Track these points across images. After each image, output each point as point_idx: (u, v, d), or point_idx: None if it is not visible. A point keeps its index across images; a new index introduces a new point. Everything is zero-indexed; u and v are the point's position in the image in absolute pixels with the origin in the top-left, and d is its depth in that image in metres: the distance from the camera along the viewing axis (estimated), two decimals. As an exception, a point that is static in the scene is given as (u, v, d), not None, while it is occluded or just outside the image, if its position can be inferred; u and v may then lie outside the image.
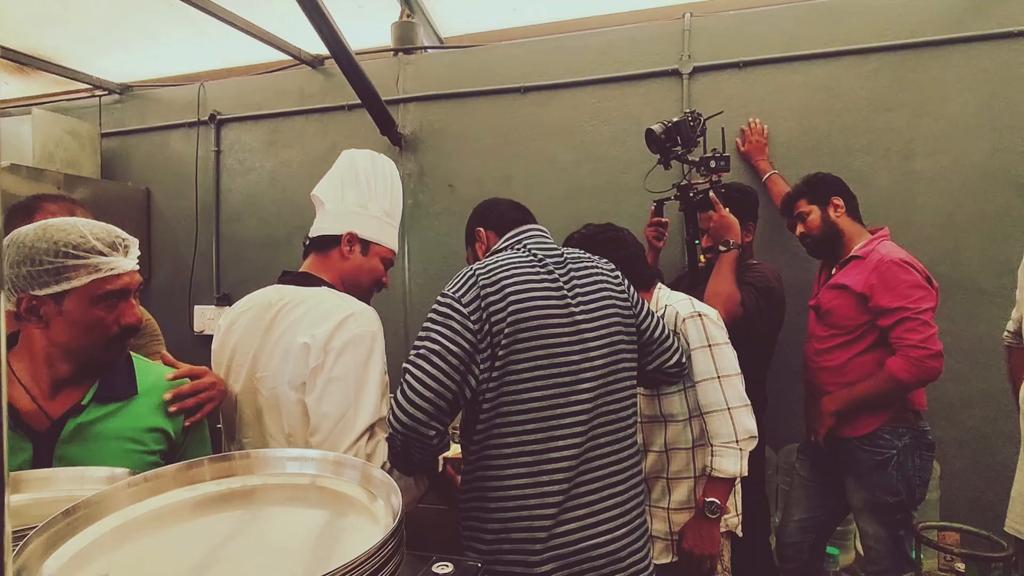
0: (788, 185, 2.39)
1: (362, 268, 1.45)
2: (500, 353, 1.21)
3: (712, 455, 1.55)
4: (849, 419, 1.95)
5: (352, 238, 1.42)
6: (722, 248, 2.05)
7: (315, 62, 3.22)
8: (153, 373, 1.24)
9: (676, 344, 1.49)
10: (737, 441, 1.53)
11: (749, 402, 1.58)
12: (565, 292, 1.28)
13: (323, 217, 1.45)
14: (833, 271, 2.07)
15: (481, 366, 1.22)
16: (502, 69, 2.94)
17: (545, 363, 1.23)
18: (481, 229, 1.54)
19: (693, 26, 2.67)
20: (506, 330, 1.21)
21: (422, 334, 1.24)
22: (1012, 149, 2.31)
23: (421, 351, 1.21)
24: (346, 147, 3.12)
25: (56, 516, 0.59)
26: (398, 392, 1.21)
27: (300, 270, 1.46)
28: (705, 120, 2.23)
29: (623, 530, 1.26)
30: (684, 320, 1.61)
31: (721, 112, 2.43)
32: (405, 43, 3.09)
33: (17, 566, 0.50)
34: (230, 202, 3.38)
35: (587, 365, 1.26)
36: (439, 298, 1.27)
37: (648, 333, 1.42)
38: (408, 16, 3.11)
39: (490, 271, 1.27)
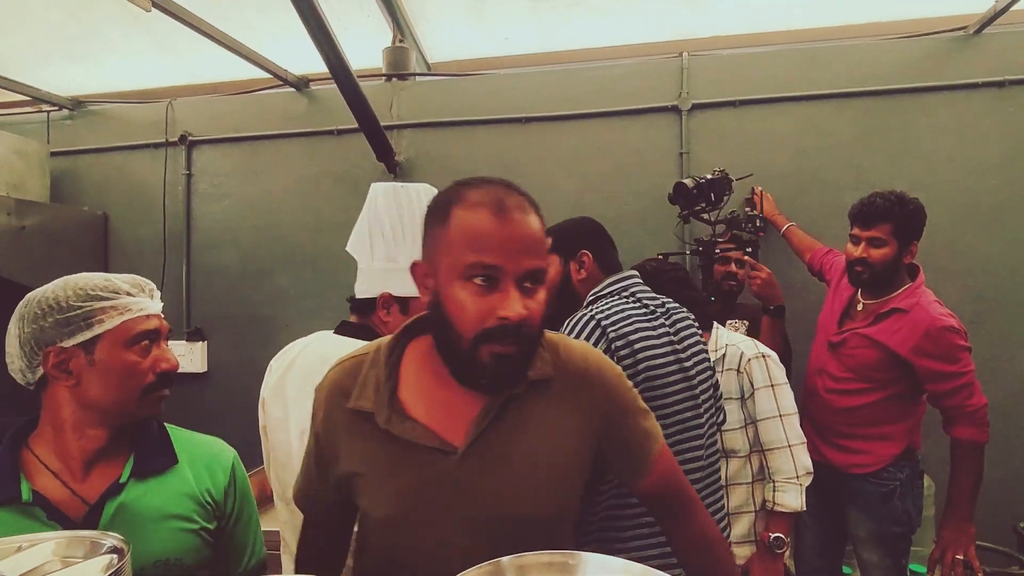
0: (806, 234, 2.49)
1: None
2: None
3: (775, 490, 1.60)
4: (860, 455, 1.97)
5: (387, 300, 1.30)
6: (771, 311, 2.18)
7: (300, 83, 3.08)
8: (188, 438, 1.14)
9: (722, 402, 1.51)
10: (797, 477, 1.60)
11: (805, 440, 1.64)
12: (678, 347, 1.28)
13: (359, 276, 1.35)
14: (859, 303, 2.04)
15: None
16: (500, 98, 2.92)
17: (667, 422, 1.21)
18: (589, 255, 1.42)
19: (691, 64, 2.77)
20: (637, 384, 1.19)
21: None
22: (977, 188, 2.53)
23: None
24: (337, 173, 3.07)
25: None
26: None
27: (357, 322, 1.35)
28: (734, 182, 2.31)
29: None
30: (749, 360, 1.65)
31: (751, 175, 2.51)
32: (398, 68, 3.02)
33: None
34: (203, 229, 3.15)
35: (698, 421, 1.26)
36: None
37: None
38: (399, 41, 3.04)
39: (615, 323, 1.23)
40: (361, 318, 1.35)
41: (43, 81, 3.25)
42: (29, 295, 1.00)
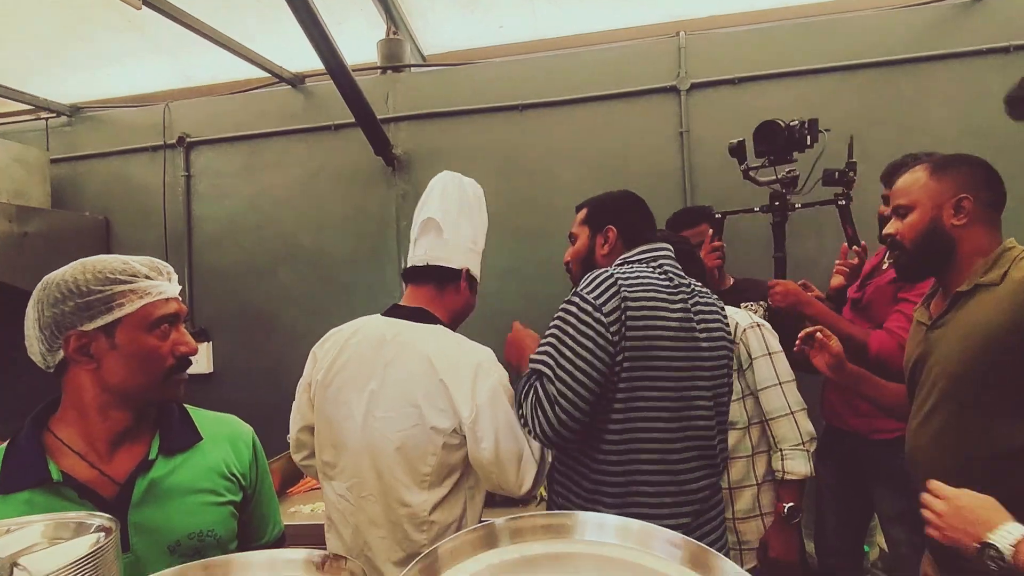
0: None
1: (470, 305, 1.46)
2: (626, 365, 1.19)
3: (783, 459, 1.59)
4: (881, 418, 1.94)
5: (468, 275, 1.41)
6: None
7: (295, 80, 3.07)
8: (207, 417, 1.16)
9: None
10: (803, 443, 1.59)
11: (806, 405, 1.63)
12: (695, 325, 1.26)
13: (441, 246, 1.39)
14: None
15: (616, 374, 1.20)
16: (497, 87, 2.90)
17: (669, 394, 1.21)
18: (614, 230, 1.41)
19: (688, 44, 2.73)
20: (640, 350, 1.19)
21: (558, 334, 1.22)
22: (984, 156, 2.47)
23: (566, 355, 1.19)
24: (336, 168, 3.05)
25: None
26: (548, 402, 1.20)
27: (411, 304, 1.41)
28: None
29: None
30: (745, 330, 1.65)
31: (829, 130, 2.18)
32: (393, 61, 3.00)
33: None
34: (204, 230, 3.15)
35: (705, 403, 1.26)
36: (576, 299, 1.22)
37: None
38: (393, 33, 3.03)
39: (634, 285, 1.22)
40: (437, 286, 1.40)
41: (41, 89, 3.26)
42: (46, 278, 0.99)
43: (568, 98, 2.82)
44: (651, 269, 1.30)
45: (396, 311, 1.40)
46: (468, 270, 1.41)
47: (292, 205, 3.05)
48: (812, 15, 2.87)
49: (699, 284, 1.38)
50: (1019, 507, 0.99)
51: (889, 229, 1.42)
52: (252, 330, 3.07)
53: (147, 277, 1.01)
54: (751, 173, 2.14)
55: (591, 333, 1.18)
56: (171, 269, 1.08)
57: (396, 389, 1.28)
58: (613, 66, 2.80)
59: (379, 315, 1.42)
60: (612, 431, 1.20)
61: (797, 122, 2.01)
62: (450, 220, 1.40)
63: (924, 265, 1.36)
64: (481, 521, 1.28)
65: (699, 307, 1.30)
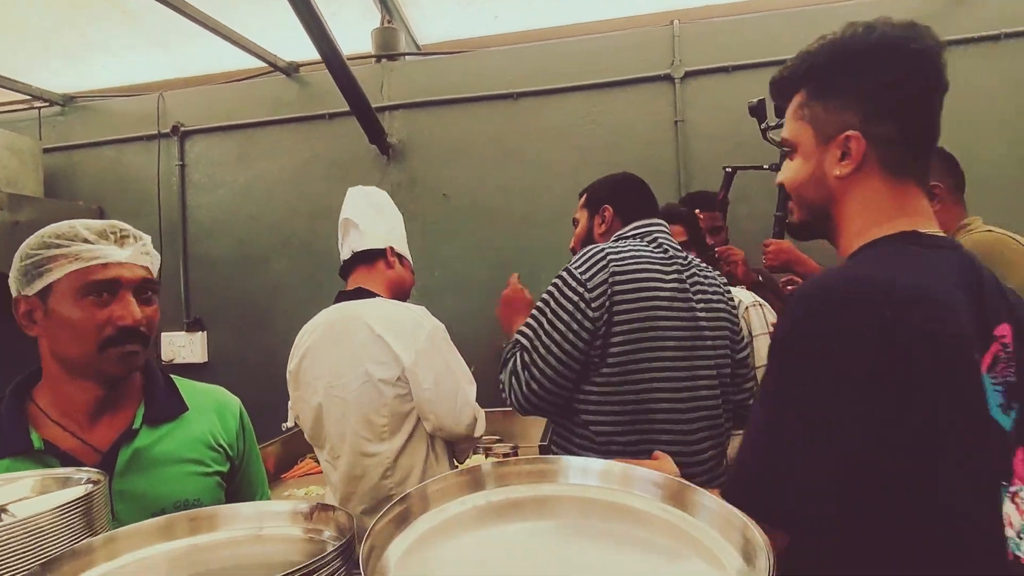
0: None
1: (403, 277, 1.66)
2: (618, 339, 1.20)
3: None
4: None
5: (392, 251, 1.64)
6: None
7: (290, 69, 3.07)
8: (194, 388, 1.14)
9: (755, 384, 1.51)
10: None
11: None
12: (691, 296, 1.27)
13: (360, 237, 1.62)
14: None
15: (595, 351, 1.24)
16: (491, 76, 2.90)
17: (665, 364, 1.22)
18: (610, 209, 1.48)
19: (682, 32, 2.74)
20: (637, 321, 1.20)
21: (542, 306, 1.29)
22: (975, 145, 2.48)
23: (545, 328, 1.26)
24: (330, 157, 3.05)
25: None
26: (522, 371, 1.28)
27: (351, 287, 1.61)
28: None
29: None
30: (748, 308, 1.67)
31: None
32: (388, 49, 3.00)
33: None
34: (198, 219, 3.15)
35: (704, 367, 1.26)
36: (563, 274, 1.28)
37: (744, 360, 1.42)
38: (388, 22, 3.03)
39: (623, 259, 1.25)
40: (366, 265, 1.61)
41: (35, 79, 3.25)
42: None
43: (562, 86, 2.82)
44: (645, 243, 1.32)
45: (340, 297, 1.61)
46: (392, 248, 1.62)
47: (287, 194, 3.05)
48: (806, 4, 2.89)
49: (698, 262, 1.40)
50: None
51: None
52: (246, 319, 3.07)
53: (86, 241, 0.94)
54: (769, 134, 2.17)
55: (570, 308, 1.23)
56: (129, 233, 1.00)
57: (347, 358, 1.46)
58: (607, 55, 2.81)
59: (331, 306, 1.61)
60: (612, 401, 1.22)
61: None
62: (363, 217, 1.62)
63: None
64: (454, 467, 1.38)
65: (696, 279, 1.31)
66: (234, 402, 1.18)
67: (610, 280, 1.22)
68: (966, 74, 2.49)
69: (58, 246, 0.93)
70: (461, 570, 0.50)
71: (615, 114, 2.79)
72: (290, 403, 1.67)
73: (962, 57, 2.50)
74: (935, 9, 2.54)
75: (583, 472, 0.61)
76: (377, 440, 1.43)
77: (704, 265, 1.40)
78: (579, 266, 1.26)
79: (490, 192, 2.87)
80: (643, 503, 0.57)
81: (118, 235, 0.98)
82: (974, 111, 2.48)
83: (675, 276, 1.27)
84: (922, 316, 0.66)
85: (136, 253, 0.99)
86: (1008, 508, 0.67)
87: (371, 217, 1.64)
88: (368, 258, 1.61)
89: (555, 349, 1.22)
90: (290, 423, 2.71)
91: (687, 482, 0.56)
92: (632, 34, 2.83)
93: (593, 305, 1.21)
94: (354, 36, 3.08)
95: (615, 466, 0.60)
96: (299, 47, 2.86)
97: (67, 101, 3.31)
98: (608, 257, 1.25)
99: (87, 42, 3.20)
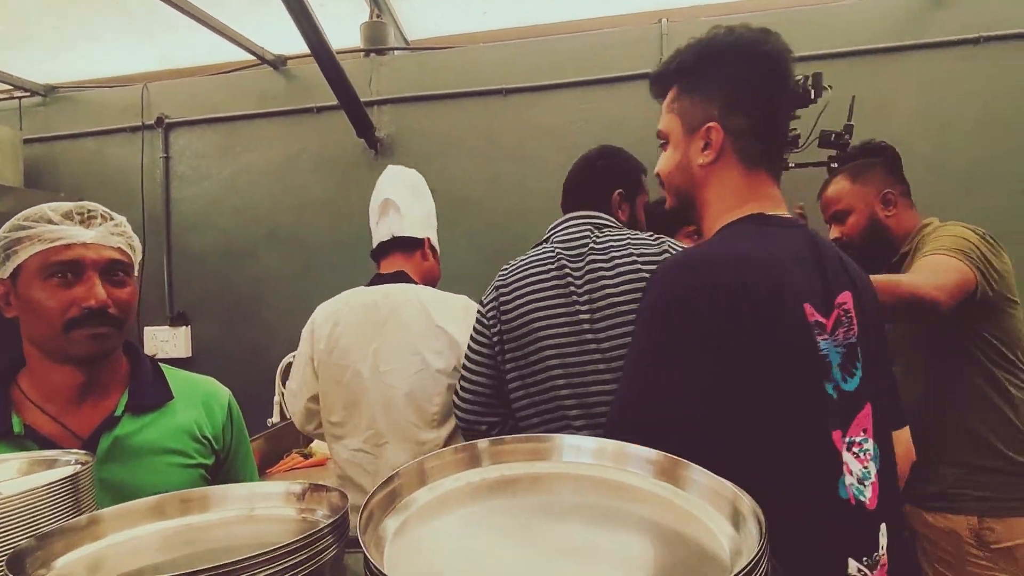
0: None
1: (435, 271, 1.67)
2: (509, 356, 1.25)
3: None
4: None
5: (429, 243, 1.64)
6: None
7: (277, 62, 3.04)
8: (183, 377, 1.13)
9: None
10: None
11: None
12: (576, 298, 1.17)
13: (399, 221, 1.59)
14: None
15: (504, 366, 1.27)
16: (480, 71, 2.90)
17: (554, 374, 1.19)
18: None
19: (670, 31, 2.76)
20: (520, 337, 1.23)
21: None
22: (952, 148, 2.54)
23: (467, 353, 1.35)
24: (317, 150, 3.03)
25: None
26: (454, 396, 1.37)
27: (390, 271, 1.59)
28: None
29: None
30: None
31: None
32: (376, 44, 2.99)
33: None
34: (182, 212, 3.11)
35: (595, 377, 1.15)
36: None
37: None
38: (377, 16, 3.02)
39: (508, 273, 1.30)
40: (405, 253, 1.60)
41: (15, 68, 3.19)
42: None
43: (551, 83, 2.83)
44: (539, 249, 1.32)
45: (378, 279, 1.58)
46: (429, 239, 1.62)
47: (273, 187, 3.02)
48: (790, 5, 2.92)
49: (608, 240, 1.21)
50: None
51: (835, 234, 1.70)
52: (231, 314, 3.04)
53: (50, 222, 0.94)
54: None
55: (474, 334, 1.31)
56: (98, 213, 1.00)
57: (397, 342, 1.45)
58: (596, 52, 2.82)
59: (362, 287, 1.57)
60: (525, 405, 1.23)
61: (801, 76, 2.04)
62: (405, 200, 1.60)
63: (872, 253, 1.64)
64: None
65: (589, 266, 1.18)
66: (223, 393, 1.16)
67: (498, 297, 1.27)
68: (945, 76, 2.55)
69: (24, 228, 0.93)
70: (457, 543, 0.50)
71: (604, 111, 2.81)
72: (300, 387, 1.58)
73: (942, 59, 2.55)
74: (915, 12, 2.59)
75: (577, 450, 0.62)
76: (427, 428, 1.45)
77: (623, 237, 1.21)
78: (487, 291, 1.34)
79: (479, 188, 2.87)
80: (636, 479, 0.58)
81: (85, 215, 0.97)
82: (953, 113, 2.53)
83: (554, 274, 1.20)
84: (768, 283, 0.76)
85: (104, 234, 0.98)
86: (847, 457, 0.77)
87: (411, 200, 1.63)
88: (407, 245, 1.60)
89: (468, 374, 1.31)
90: (275, 418, 2.69)
91: (679, 458, 0.56)
92: (621, 32, 2.85)
93: (489, 324, 1.28)
94: (343, 30, 3.06)
95: (608, 444, 0.61)
96: (287, 40, 2.84)
97: (49, 91, 3.25)
98: (499, 275, 1.32)
99: (70, 31, 3.15)
